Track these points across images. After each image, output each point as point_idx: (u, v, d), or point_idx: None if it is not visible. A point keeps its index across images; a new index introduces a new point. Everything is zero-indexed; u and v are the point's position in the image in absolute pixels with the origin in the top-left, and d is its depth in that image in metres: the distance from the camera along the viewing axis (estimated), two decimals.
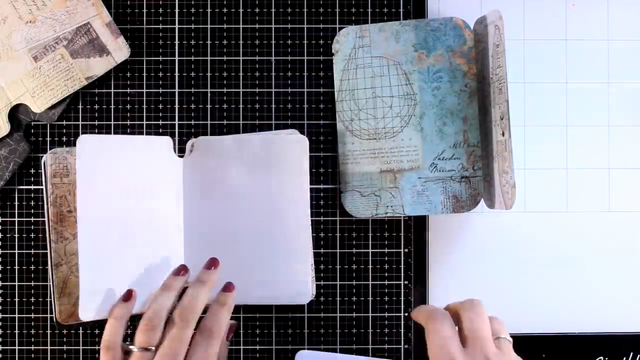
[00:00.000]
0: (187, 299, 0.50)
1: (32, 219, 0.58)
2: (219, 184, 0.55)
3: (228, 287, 0.52)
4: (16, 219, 0.58)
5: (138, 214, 0.53)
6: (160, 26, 0.58)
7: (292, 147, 0.55)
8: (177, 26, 0.58)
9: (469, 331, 0.48)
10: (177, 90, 0.58)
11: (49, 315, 0.57)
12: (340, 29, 0.58)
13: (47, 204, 0.55)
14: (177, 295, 0.51)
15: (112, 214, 0.52)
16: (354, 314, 0.58)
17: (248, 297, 0.55)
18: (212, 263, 0.53)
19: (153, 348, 0.48)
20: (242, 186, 0.55)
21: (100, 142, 0.52)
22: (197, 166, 0.55)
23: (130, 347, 0.48)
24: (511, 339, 0.49)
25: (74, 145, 0.57)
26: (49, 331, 0.58)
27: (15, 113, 0.57)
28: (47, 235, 0.55)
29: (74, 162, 0.54)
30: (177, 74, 0.58)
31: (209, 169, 0.55)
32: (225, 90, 0.58)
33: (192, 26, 0.58)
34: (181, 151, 0.57)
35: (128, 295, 0.51)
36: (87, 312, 0.50)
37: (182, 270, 0.53)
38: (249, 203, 0.55)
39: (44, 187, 0.56)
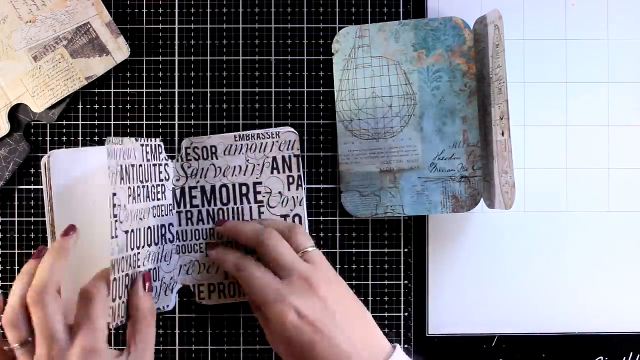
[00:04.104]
0: (37, 278, 0.47)
1: (32, 219, 0.58)
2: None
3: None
4: (16, 219, 0.58)
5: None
6: (160, 26, 0.58)
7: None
8: (177, 26, 0.58)
9: (272, 262, 0.49)
10: (177, 90, 0.58)
11: None
12: (340, 29, 0.58)
13: (47, 208, 0.54)
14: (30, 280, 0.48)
15: (92, 227, 0.52)
16: None
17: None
18: (69, 229, 0.51)
19: (29, 339, 0.46)
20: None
21: (72, 158, 0.52)
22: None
23: (11, 346, 0.46)
24: (317, 249, 0.51)
25: (74, 145, 0.58)
26: None
27: (15, 113, 0.57)
28: (49, 240, 0.54)
29: None
30: (177, 74, 0.58)
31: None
32: (225, 90, 0.58)
33: (192, 26, 0.58)
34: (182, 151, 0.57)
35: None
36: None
37: (38, 252, 0.50)
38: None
39: (44, 190, 0.55)
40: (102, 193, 0.52)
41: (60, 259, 0.48)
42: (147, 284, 0.50)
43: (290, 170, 0.55)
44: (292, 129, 0.55)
